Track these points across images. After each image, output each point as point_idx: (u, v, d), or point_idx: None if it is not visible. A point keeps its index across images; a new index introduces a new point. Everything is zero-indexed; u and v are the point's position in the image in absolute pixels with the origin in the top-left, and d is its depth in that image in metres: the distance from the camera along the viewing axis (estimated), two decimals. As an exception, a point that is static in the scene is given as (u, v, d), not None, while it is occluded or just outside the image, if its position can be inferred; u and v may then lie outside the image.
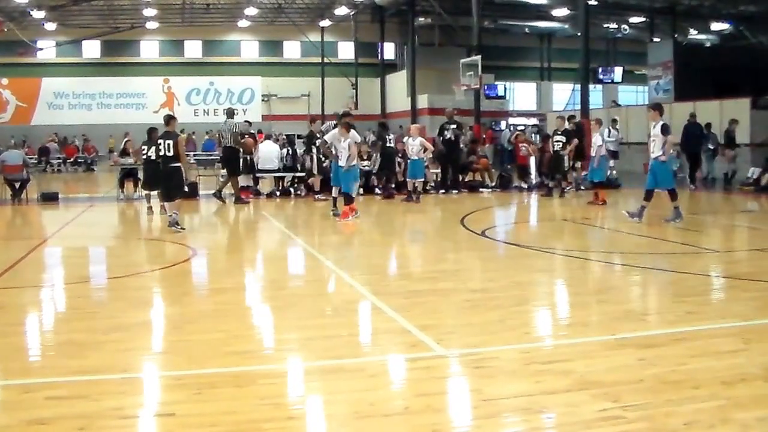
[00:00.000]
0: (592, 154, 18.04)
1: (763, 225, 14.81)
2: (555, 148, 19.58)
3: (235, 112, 20.91)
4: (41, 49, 45.88)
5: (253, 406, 4.70)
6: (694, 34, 45.83)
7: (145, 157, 16.85)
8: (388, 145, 21.27)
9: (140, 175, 18.94)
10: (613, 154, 23.37)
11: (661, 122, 13.75)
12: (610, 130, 23.37)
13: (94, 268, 10.82)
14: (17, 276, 9.52)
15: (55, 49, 47.20)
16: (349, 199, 14.92)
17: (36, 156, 36.03)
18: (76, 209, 18.62)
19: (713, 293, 8.46)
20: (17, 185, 20.14)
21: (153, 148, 16.35)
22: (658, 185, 13.73)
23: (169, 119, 14.24)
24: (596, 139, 17.91)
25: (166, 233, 13.29)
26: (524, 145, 22.73)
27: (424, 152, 19.11)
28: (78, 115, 48.23)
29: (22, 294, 8.48)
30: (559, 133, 19.66)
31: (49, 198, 20.31)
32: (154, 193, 17.00)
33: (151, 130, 17.36)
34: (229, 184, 19.26)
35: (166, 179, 14.02)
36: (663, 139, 13.53)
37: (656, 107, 14.34)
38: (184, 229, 13.63)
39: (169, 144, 13.67)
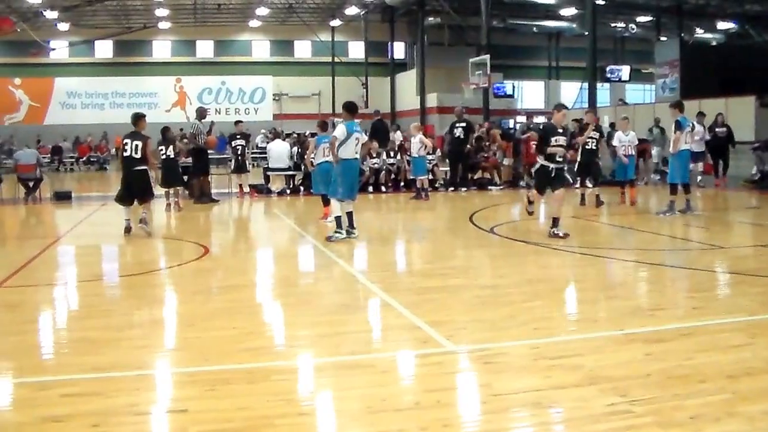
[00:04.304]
0: (620, 152, 17.20)
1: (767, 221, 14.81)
2: (589, 146, 16.89)
3: (206, 112, 20.50)
4: (54, 49, 46.18)
5: (265, 402, 4.75)
6: (700, 33, 45.79)
7: (164, 156, 17.11)
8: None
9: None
10: (696, 156, 19.62)
11: (677, 118, 14.30)
12: (694, 125, 18.43)
13: (107, 266, 10.91)
14: (31, 274, 9.59)
15: (68, 49, 47.49)
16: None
17: (49, 155, 36.25)
18: (89, 208, 18.72)
19: (720, 289, 8.50)
20: (31, 184, 20.32)
21: (170, 147, 17.05)
22: (671, 177, 14.29)
23: (137, 119, 13.06)
24: (620, 138, 17.33)
25: (179, 232, 13.34)
26: (535, 143, 22.65)
27: (425, 150, 19.38)
28: (91, 114, 48.48)
29: (37, 292, 8.55)
30: (594, 129, 17.19)
31: (63, 197, 20.46)
32: (172, 191, 17.35)
33: (165, 130, 17.73)
34: (203, 183, 19.40)
35: (133, 183, 12.86)
36: (675, 135, 14.19)
37: (675, 105, 14.73)
38: (150, 232, 12.80)
39: (137, 145, 12.61)
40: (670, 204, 14.34)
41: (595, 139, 16.98)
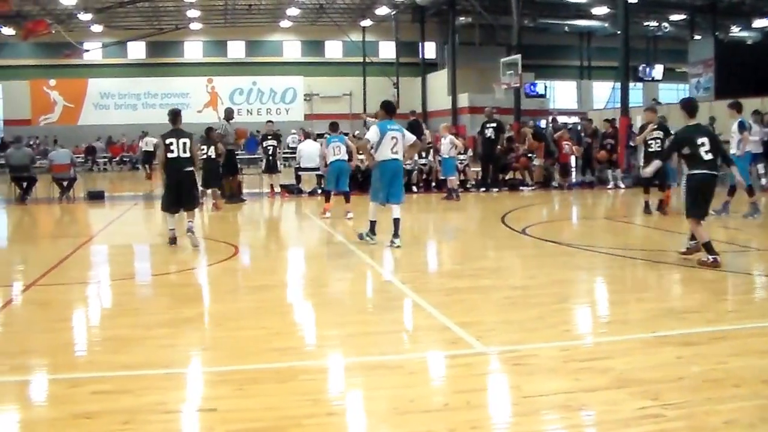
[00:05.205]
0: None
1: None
2: (652, 148, 14.76)
3: (233, 113, 20.63)
4: (88, 50, 46.62)
5: (293, 401, 4.75)
6: (735, 31, 45.25)
7: (204, 156, 17.10)
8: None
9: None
10: (755, 157, 17.77)
11: (738, 119, 14.01)
12: (750, 125, 16.33)
13: (138, 266, 11.00)
14: (64, 273, 9.70)
15: (101, 51, 47.93)
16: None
17: (83, 155, 36.67)
18: (121, 207, 18.91)
19: (755, 292, 8.37)
20: (65, 184, 20.58)
21: (212, 147, 17.09)
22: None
23: (176, 115, 11.64)
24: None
25: (210, 232, 13.41)
26: (567, 143, 22.56)
27: (455, 150, 19.52)
28: (123, 115, 48.91)
29: (69, 290, 8.64)
30: (655, 127, 15.04)
31: (96, 196, 20.70)
32: (210, 191, 17.50)
33: (209, 130, 17.81)
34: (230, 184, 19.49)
35: (183, 187, 11.53)
36: (739, 136, 13.87)
37: (734, 105, 14.17)
38: (197, 244, 11.51)
39: (184, 143, 11.29)
40: (753, 205, 13.92)
41: (659, 139, 14.72)
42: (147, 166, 31.57)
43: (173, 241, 11.56)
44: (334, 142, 15.55)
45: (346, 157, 15.69)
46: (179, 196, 11.51)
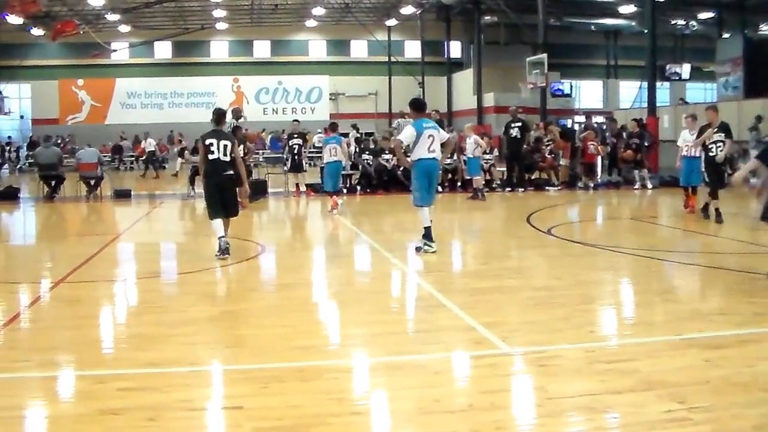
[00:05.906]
0: (683, 153, 15.09)
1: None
2: (713, 152, 13.67)
3: (241, 112, 20.81)
4: (115, 50, 46.98)
5: (318, 400, 4.76)
6: (764, 29, 44.61)
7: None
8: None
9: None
10: None
11: None
12: None
13: (164, 264, 11.08)
14: (91, 270, 9.79)
15: (128, 51, 48.31)
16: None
17: (110, 154, 36.99)
18: (147, 206, 19.05)
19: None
20: (92, 182, 20.78)
21: (240, 146, 17.09)
22: None
23: (221, 115, 11.08)
24: (684, 138, 15.08)
25: (235, 230, 13.44)
26: (593, 143, 22.42)
27: (480, 150, 19.57)
28: (150, 114, 49.24)
29: (96, 288, 8.73)
30: (716, 130, 13.72)
31: (122, 195, 20.87)
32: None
33: (236, 129, 17.81)
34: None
35: (224, 191, 10.69)
36: None
37: None
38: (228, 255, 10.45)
39: (225, 146, 10.51)
40: None
41: (722, 141, 13.56)
42: (150, 166, 31.80)
43: (225, 251, 10.44)
44: (330, 144, 16.16)
45: (342, 159, 16.54)
46: (223, 201, 10.63)
